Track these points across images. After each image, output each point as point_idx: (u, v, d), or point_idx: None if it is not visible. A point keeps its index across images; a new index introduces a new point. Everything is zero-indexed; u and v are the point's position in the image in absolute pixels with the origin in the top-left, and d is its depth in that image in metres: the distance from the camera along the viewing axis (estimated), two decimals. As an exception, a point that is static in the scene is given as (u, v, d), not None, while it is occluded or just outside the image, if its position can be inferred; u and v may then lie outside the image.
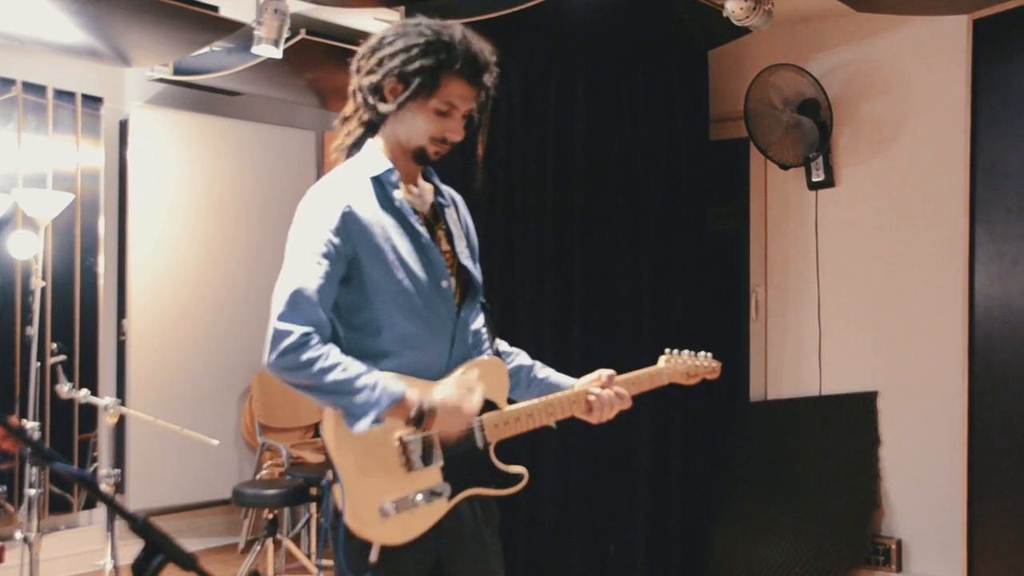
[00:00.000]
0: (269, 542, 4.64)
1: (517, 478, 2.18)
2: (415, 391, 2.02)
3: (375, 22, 4.43)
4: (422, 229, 2.12)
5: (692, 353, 2.55)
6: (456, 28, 2.10)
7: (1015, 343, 3.85)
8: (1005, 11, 3.86)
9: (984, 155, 3.99)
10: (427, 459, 2.06)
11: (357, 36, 4.60)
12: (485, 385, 2.13)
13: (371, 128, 2.17)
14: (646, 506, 4.54)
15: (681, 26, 4.45)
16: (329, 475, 2.05)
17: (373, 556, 2.04)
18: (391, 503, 2.02)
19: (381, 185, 2.10)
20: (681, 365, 2.52)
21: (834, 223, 4.70)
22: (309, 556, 5.14)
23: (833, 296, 4.70)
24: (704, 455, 4.70)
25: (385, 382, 1.99)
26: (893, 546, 4.48)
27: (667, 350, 2.52)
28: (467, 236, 2.26)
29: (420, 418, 2.01)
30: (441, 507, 2.08)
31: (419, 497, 2.05)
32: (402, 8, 4.13)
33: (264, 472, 5.57)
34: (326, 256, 2.00)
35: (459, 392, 2.05)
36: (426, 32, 2.07)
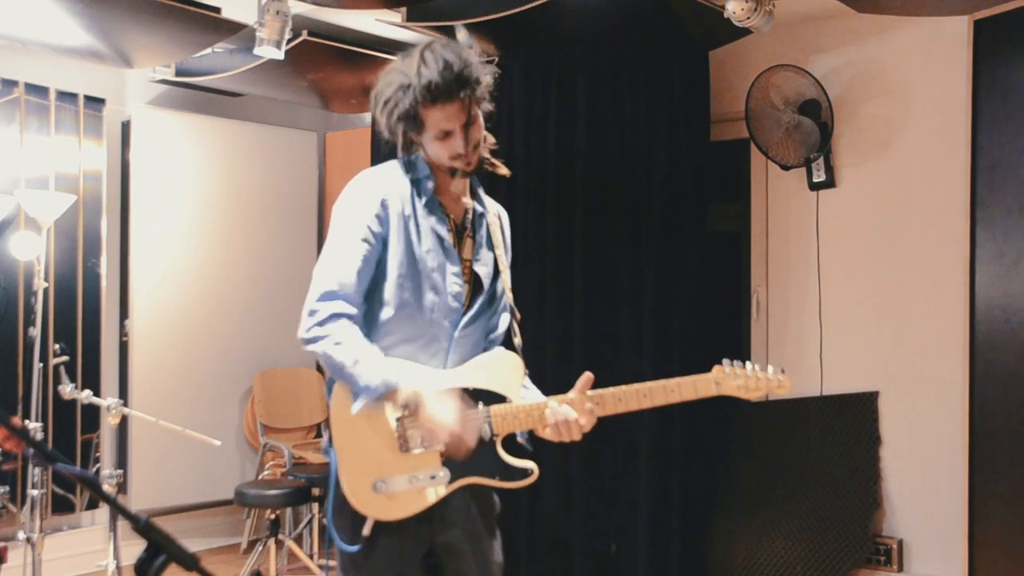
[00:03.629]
0: (271, 542, 4.64)
1: (525, 473, 2.20)
2: (409, 388, 2.08)
3: (376, 23, 4.43)
4: (447, 234, 2.23)
5: (757, 367, 2.21)
6: (415, 57, 2.14)
7: (1016, 343, 3.85)
8: (1005, 11, 3.86)
9: (985, 155, 3.99)
10: (427, 443, 2.12)
11: (359, 37, 4.64)
12: (496, 378, 2.20)
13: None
14: (647, 505, 4.55)
15: (682, 27, 4.45)
16: (325, 442, 2.17)
17: (366, 530, 2.10)
18: (384, 480, 2.09)
19: (419, 186, 2.22)
20: (736, 379, 2.19)
21: (835, 223, 4.70)
22: (311, 556, 5.15)
23: (834, 296, 4.70)
24: (704, 455, 4.70)
25: (385, 370, 2.08)
26: (894, 546, 4.48)
27: (725, 362, 2.21)
28: (504, 246, 2.36)
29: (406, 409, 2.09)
30: (438, 491, 2.13)
31: (413, 479, 2.11)
32: (403, 9, 4.13)
33: (266, 472, 5.57)
34: (364, 240, 2.14)
35: (456, 416, 2.09)
36: (395, 78, 2.15)
